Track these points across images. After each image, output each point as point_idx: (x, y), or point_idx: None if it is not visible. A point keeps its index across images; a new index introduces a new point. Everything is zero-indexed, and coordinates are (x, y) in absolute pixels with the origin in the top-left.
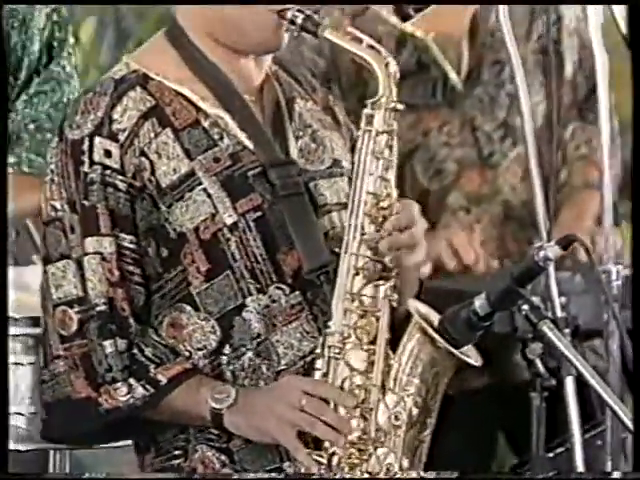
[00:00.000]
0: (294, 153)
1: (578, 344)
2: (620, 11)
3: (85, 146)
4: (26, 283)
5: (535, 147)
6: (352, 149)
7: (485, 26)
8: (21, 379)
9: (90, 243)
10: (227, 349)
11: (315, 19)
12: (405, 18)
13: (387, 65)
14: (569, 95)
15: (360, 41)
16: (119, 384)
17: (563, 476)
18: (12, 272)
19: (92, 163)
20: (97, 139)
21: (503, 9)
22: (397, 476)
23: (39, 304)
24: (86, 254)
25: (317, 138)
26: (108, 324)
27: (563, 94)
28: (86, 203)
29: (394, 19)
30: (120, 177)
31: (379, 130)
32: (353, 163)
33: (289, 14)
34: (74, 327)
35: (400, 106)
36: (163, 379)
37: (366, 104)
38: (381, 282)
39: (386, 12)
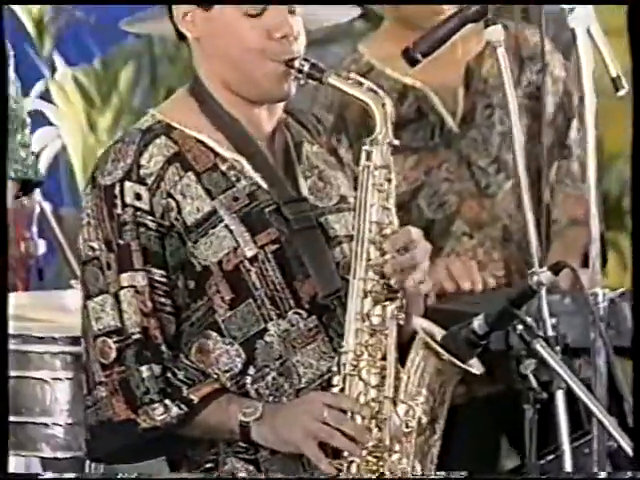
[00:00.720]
0: (304, 191)
1: (568, 360)
2: (609, 53)
3: (117, 190)
4: (65, 305)
5: (528, 182)
6: (355, 187)
7: (479, 74)
8: (60, 393)
9: (125, 278)
10: (251, 370)
11: (320, 67)
12: (412, 61)
13: (384, 105)
14: (550, 135)
15: (361, 85)
16: (156, 405)
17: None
18: (52, 295)
19: (124, 205)
20: (127, 184)
21: (503, 56)
22: (407, 476)
23: (76, 324)
24: (122, 288)
25: (324, 177)
26: (143, 351)
27: (545, 135)
28: (120, 242)
29: (396, 74)
30: (150, 217)
31: (377, 165)
32: (356, 196)
33: (297, 63)
34: (113, 355)
35: (396, 142)
36: (195, 399)
37: (365, 142)
38: (388, 303)
39: (390, 69)
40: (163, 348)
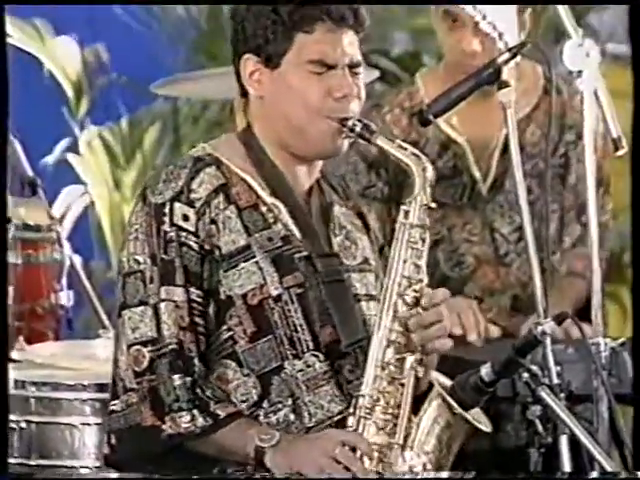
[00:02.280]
0: (335, 247)
1: (571, 407)
2: (612, 112)
3: (167, 209)
4: (94, 354)
5: (533, 235)
6: (380, 251)
7: (518, 140)
8: (88, 437)
9: (166, 291)
10: (265, 404)
11: (372, 128)
12: (424, 122)
13: (424, 169)
14: (571, 200)
15: (405, 148)
16: (184, 413)
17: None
18: (82, 344)
19: (172, 224)
20: (177, 204)
21: (511, 117)
22: (419, 476)
23: (104, 372)
24: (162, 300)
25: (350, 238)
26: (178, 361)
27: (566, 199)
28: (165, 257)
29: (442, 123)
30: (194, 239)
31: (413, 224)
32: (389, 248)
33: (350, 122)
34: (145, 364)
35: (433, 205)
36: (222, 414)
37: (404, 202)
38: (408, 355)
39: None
40: (196, 362)
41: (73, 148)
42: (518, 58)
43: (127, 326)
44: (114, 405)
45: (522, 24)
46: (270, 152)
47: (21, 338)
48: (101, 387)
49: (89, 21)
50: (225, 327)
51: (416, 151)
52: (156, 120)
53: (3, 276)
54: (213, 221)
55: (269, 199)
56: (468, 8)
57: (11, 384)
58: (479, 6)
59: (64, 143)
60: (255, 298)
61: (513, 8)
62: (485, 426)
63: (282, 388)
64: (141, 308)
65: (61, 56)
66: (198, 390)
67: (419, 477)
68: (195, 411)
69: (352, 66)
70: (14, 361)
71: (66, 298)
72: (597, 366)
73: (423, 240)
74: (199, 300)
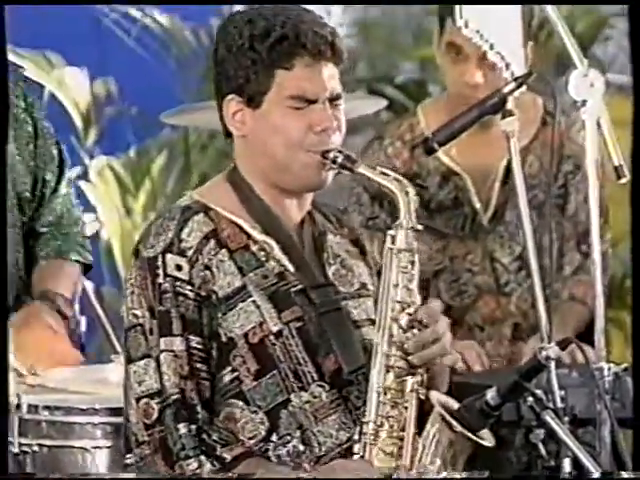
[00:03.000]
0: (330, 276)
1: (574, 430)
2: (613, 141)
3: (159, 262)
4: (106, 378)
5: (537, 263)
6: (378, 274)
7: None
8: (99, 460)
9: (165, 342)
10: (274, 437)
11: (352, 157)
12: (429, 150)
13: (407, 193)
14: (570, 229)
15: (387, 175)
16: (191, 460)
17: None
18: (94, 369)
19: (165, 275)
20: (169, 255)
21: (515, 146)
22: (428, 476)
23: (116, 396)
24: (162, 351)
25: (346, 265)
26: (181, 410)
27: (565, 228)
28: (162, 308)
29: (442, 155)
30: (189, 287)
31: (401, 248)
32: (380, 276)
33: (331, 154)
34: (155, 415)
35: (419, 227)
36: (228, 457)
37: (390, 226)
38: (409, 377)
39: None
40: (198, 409)
41: (83, 176)
42: (523, 88)
43: (133, 380)
44: (128, 459)
45: (526, 55)
46: (258, 189)
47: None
48: (113, 411)
49: (99, 51)
50: (229, 368)
51: (398, 176)
52: (164, 149)
53: (3, 276)
54: (207, 267)
55: (260, 237)
56: (476, 38)
57: (24, 408)
58: (487, 35)
59: (75, 171)
60: (256, 336)
61: (519, 38)
62: (488, 441)
63: (290, 420)
64: (144, 361)
65: (71, 87)
66: (204, 435)
67: (428, 477)
68: (202, 457)
69: (332, 99)
70: (28, 386)
71: (78, 324)
72: (600, 390)
73: (412, 263)
74: (199, 347)
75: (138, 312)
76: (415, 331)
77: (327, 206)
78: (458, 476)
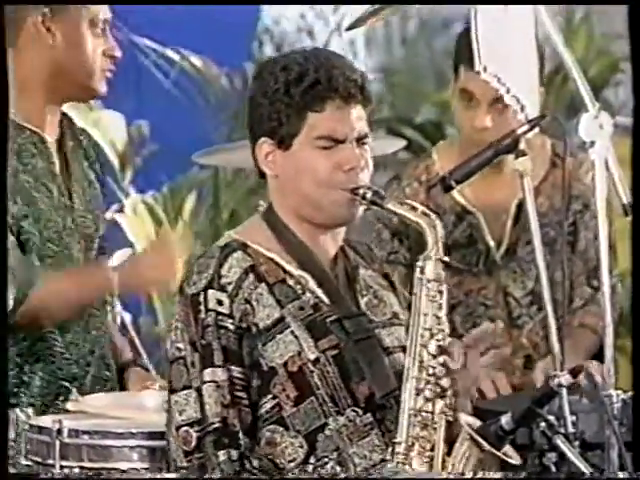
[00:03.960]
0: (363, 306)
1: (584, 454)
2: (621, 180)
3: (201, 298)
4: (142, 404)
5: (550, 293)
6: (408, 308)
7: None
8: None
9: (207, 373)
10: (312, 459)
11: (381, 194)
12: (447, 188)
13: (435, 227)
14: (580, 265)
15: (415, 209)
16: None
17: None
18: (131, 395)
19: (207, 310)
20: (210, 291)
21: (528, 184)
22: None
23: (152, 421)
24: (204, 382)
25: (378, 296)
26: (222, 438)
27: (575, 264)
28: (204, 342)
29: (457, 195)
30: (230, 320)
31: (430, 278)
32: (410, 308)
33: (361, 191)
34: (193, 443)
35: (446, 258)
36: None
37: (418, 258)
38: (438, 400)
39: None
40: (240, 436)
41: (120, 212)
42: (536, 129)
43: (175, 409)
44: None
45: (540, 98)
46: (292, 226)
47: (75, 390)
48: (149, 435)
49: (135, 92)
50: (270, 396)
51: (426, 210)
52: (195, 187)
53: (3, 276)
54: (246, 300)
55: (296, 272)
56: (493, 82)
57: (65, 433)
58: (504, 79)
59: (112, 208)
60: (295, 365)
61: (535, 82)
62: (515, 460)
63: (327, 443)
64: (186, 392)
65: (108, 128)
66: (246, 462)
67: (440, 477)
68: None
69: (360, 139)
70: (68, 411)
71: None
72: (609, 416)
73: (440, 292)
74: (240, 376)
75: (181, 345)
76: (444, 357)
77: (358, 242)
78: (466, 477)
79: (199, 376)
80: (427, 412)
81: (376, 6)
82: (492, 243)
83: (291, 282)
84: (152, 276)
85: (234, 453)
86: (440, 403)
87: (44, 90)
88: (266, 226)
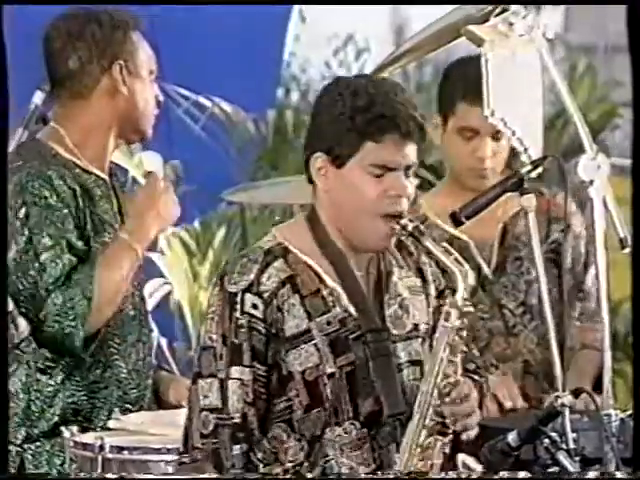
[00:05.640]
0: (387, 320)
1: (584, 468)
2: (618, 213)
3: (239, 298)
4: (177, 422)
5: (553, 321)
6: (438, 296)
7: (512, 232)
8: None
9: (235, 370)
10: (306, 462)
11: (421, 229)
12: (457, 222)
13: (466, 276)
14: (568, 282)
15: (450, 253)
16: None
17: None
18: (168, 413)
19: (242, 312)
20: (248, 295)
21: (533, 220)
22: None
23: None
24: (230, 378)
25: (404, 306)
26: (239, 433)
27: (564, 280)
28: (235, 340)
29: (446, 226)
30: (262, 324)
31: (453, 326)
32: (431, 346)
33: (403, 221)
34: (211, 428)
35: (472, 309)
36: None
37: (445, 302)
38: (440, 437)
39: (441, 221)
40: (256, 432)
41: (154, 247)
42: (539, 169)
43: (199, 393)
44: (184, 458)
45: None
46: (332, 234)
47: (117, 409)
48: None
49: (168, 136)
50: (285, 397)
51: (459, 257)
52: (224, 222)
53: (3, 276)
54: (279, 309)
55: (330, 283)
56: (500, 125)
57: (107, 448)
58: (510, 123)
59: None
60: (312, 375)
61: (539, 125)
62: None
63: (323, 451)
64: (210, 380)
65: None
66: (251, 454)
67: (439, 477)
68: (247, 475)
69: (408, 168)
70: (110, 429)
71: None
72: (608, 434)
73: (461, 338)
74: (263, 374)
75: (214, 336)
76: (451, 398)
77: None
78: (467, 475)
79: (226, 370)
80: (428, 447)
81: (396, 54)
82: (482, 262)
83: (325, 292)
84: (152, 214)
85: (245, 446)
86: (441, 441)
87: (109, 135)
88: (308, 227)
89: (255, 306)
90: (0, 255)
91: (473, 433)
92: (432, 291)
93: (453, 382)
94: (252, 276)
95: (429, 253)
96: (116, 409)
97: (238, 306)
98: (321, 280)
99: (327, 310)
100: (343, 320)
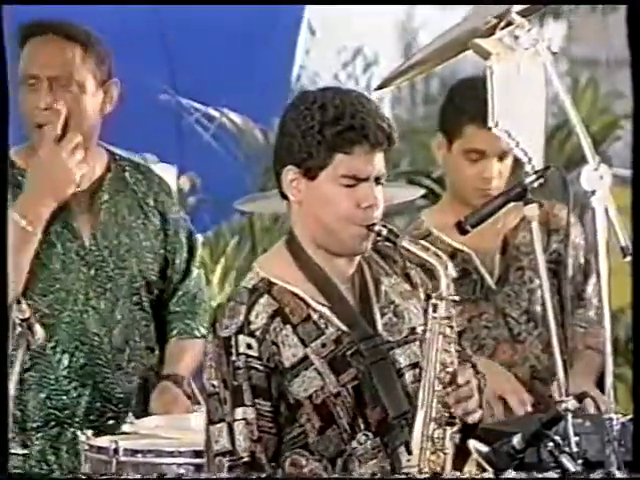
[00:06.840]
0: (379, 327)
1: (587, 471)
2: (619, 222)
3: (232, 342)
4: (189, 426)
5: (556, 328)
6: (427, 298)
7: (513, 243)
8: None
9: (238, 412)
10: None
11: (395, 232)
12: (463, 232)
13: (446, 267)
14: (569, 290)
15: (428, 249)
16: None
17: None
18: (180, 418)
19: (238, 354)
20: (240, 336)
21: (536, 230)
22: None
23: (198, 441)
24: (235, 420)
25: (398, 313)
26: (249, 470)
27: (565, 290)
28: (235, 383)
29: (448, 239)
30: (259, 362)
31: (442, 316)
32: (423, 341)
33: (377, 227)
34: (225, 470)
35: (457, 298)
36: None
37: (432, 296)
38: (448, 427)
39: (444, 235)
40: (266, 467)
41: None
42: (542, 180)
43: (212, 439)
44: None
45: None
46: (310, 251)
47: (131, 414)
48: (195, 453)
49: (180, 147)
50: (297, 424)
51: (438, 251)
52: (235, 231)
53: (3, 277)
54: (273, 342)
55: (318, 307)
56: (504, 136)
57: (121, 452)
58: (514, 134)
59: None
60: (319, 398)
61: (542, 135)
62: None
63: (341, 464)
64: (219, 425)
65: None
66: None
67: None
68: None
69: (378, 178)
70: (124, 433)
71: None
72: (610, 437)
73: (451, 328)
74: (269, 409)
75: (215, 382)
76: (455, 386)
77: (378, 249)
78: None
79: (231, 413)
80: (438, 438)
81: (403, 67)
82: (485, 273)
83: (315, 317)
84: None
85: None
86: (450, 430)
87: None
88: (288, 255)
89: (249, 346)
90: (0, 255)
91: (477, 416)
92: (421, 295)
93: (452, 371)
94: (241, 317)
95: (408, 251)
96: (130, 413)
97: (233, 349)
98: (309, 305)
99: (320, 333)
100: (338, 339)
